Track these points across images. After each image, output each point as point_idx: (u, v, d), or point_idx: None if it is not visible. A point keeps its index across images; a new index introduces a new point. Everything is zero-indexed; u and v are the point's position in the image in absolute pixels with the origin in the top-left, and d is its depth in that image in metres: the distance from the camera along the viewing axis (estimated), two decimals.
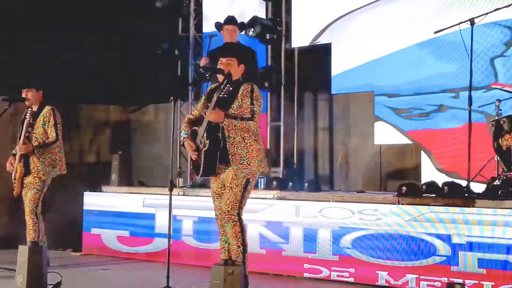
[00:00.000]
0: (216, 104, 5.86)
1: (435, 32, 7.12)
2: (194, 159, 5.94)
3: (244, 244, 5.88)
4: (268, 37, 9.77)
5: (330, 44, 9.73)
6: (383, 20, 9.33)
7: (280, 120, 9.95)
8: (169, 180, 6.33)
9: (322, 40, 9.86)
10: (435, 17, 8.56)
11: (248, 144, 5.89)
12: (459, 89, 8.46)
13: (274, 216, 7.49)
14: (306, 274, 7.24)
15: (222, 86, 5.95)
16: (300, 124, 10.06)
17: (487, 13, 6.80)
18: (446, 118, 8.73)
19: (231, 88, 5.92)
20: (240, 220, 5.88)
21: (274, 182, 7.85)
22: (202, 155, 5.86)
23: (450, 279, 6.43)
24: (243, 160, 5.87)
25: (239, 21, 9.14)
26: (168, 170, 6.59)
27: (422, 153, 9.07)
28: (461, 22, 6.87)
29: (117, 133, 11.58)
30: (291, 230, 7.36)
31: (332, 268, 7.11)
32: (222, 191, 5.98)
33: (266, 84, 9.75)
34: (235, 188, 5.86)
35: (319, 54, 9.88)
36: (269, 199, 7.61)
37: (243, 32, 9.41)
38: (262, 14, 9.98)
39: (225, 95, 5.91)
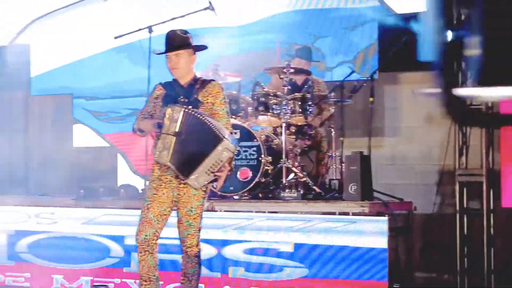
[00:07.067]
0: None
1: (116, 38, 6.93)
2: None
3: None
4: None
5: (29, 44, 9.23)
6: (84, 22, 9.01)
7: None
8: None
9: (21, 40, 9.31)
10: (133, 22, 8.36)
11: None
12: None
13: None
14: None
15: None
16: None
17: (163, 22, 6.72)
18: None
19: None
20: None
21: None
22: None
23: (123, 279, 6.26)
24: None
25: None
26: None
27: (119, 156, 8.89)
28: (140, 29, 6.74)
29: None
30: None
31: (7, 273, 6.60)
32: None
33: None
34: None
35: (19, 54, 9.30)
36: None
37: None
38: None
39: None
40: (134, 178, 8.61)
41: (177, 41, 4.72)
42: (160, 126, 4.60)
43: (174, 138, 4.51)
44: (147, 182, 4.98)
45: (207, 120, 4.56)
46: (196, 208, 4.70)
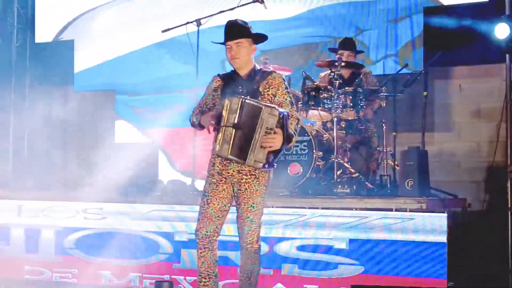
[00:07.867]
0: None
1: (163, 31, 6.71)
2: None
3: None
4: None
5: (73, 40, 9.10)
6: (125, 18, 8.86)
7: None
8: None
9: (65, 36, 9.19)
10: (173, 17, 8.16)
11: None
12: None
13: None
14: (26, 277, 6.50)
15: None
16: (33, 119, 9.25)
17: (212, 15, 6.48)
18: (183, 117, 8.40)
19: None
20: None
21: None
22: None
23: (173, 276, 6.05)
24: None
25: None
26: None
27: (160, 151, 8.69)
28: (188, 22, 6.52)
29: None
30: (11, 231, 6.58)
31: (54, 269, 6.41)
32: None
33: None
34: None
35: (63, 50, 9.17)
36: None
37: None
38: None
39: None
40: (175, 174, 8.42)
41: (238, 30, 4.48)
42: (218, 119, 4.38)
43: (234, 130, 4.29)
44: (202, 177, 4.73)
45: (255, 102, 4.31)
46: (258, 204, 4.44)
